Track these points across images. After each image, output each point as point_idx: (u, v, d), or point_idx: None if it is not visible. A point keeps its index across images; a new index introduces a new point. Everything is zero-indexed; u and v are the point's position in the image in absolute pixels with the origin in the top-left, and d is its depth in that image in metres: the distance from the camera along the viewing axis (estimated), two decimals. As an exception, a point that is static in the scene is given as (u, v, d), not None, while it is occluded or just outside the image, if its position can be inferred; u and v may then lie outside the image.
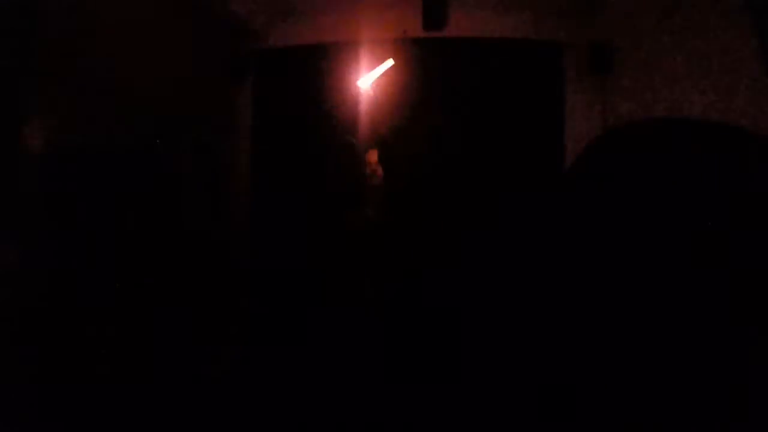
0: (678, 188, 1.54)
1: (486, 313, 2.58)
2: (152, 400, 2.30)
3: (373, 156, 2.87)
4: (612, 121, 2.57)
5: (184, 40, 2.75)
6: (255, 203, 3.10)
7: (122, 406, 2.16)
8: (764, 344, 1.34)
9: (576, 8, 2.74)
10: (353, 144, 2.77)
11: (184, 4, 2.75)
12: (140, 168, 2.56)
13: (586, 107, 2.70)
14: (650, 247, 1.51)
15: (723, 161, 1.54)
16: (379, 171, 2.85)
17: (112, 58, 2.37)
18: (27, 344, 1.99)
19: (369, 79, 2.94)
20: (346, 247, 2.81)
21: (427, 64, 2.93)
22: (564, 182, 2.25)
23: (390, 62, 2.91)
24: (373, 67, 2.96)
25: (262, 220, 3.07)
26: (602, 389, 1.50)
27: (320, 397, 2.55)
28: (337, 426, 2.49)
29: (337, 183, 2.77)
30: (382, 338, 2.73)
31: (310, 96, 3.03)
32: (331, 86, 3.03)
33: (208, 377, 2.61)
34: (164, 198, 2.64)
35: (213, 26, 2.93)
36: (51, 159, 2.20)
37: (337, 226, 2.78)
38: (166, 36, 2.65)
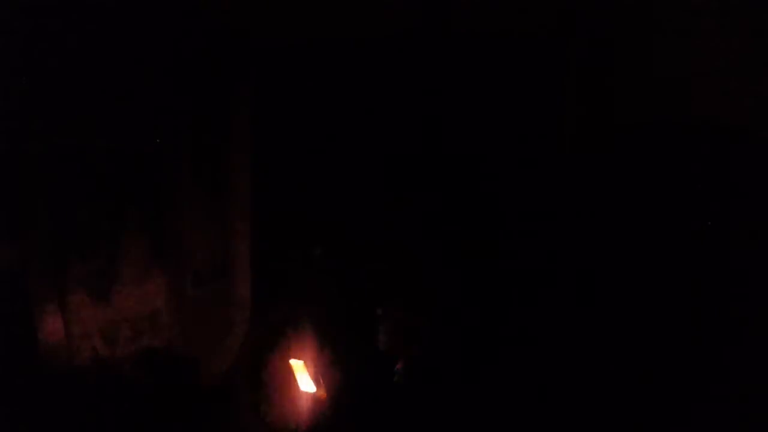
0: (678, 188, 1.53)
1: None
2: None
3: None
4: (611, 122, 2.56)
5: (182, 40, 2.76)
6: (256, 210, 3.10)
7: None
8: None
9: (576, 6, 2.74)
10: None
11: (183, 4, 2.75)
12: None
13: (586, 106, 2.69)
14: (650, 245, 1.50)
15: (724, 161, 1.54)
16: None
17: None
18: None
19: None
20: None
21: (427, 61, 2.92)
22: (564, 182, 2.24)
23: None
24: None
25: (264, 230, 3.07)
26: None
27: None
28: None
29: None
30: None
31: (311, 96, 3.03)
32: (332, 85, 3.03)
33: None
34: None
35: (211, 26, 2.93)
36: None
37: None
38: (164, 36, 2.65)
